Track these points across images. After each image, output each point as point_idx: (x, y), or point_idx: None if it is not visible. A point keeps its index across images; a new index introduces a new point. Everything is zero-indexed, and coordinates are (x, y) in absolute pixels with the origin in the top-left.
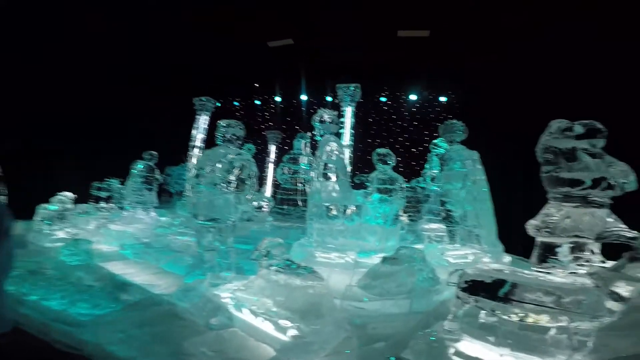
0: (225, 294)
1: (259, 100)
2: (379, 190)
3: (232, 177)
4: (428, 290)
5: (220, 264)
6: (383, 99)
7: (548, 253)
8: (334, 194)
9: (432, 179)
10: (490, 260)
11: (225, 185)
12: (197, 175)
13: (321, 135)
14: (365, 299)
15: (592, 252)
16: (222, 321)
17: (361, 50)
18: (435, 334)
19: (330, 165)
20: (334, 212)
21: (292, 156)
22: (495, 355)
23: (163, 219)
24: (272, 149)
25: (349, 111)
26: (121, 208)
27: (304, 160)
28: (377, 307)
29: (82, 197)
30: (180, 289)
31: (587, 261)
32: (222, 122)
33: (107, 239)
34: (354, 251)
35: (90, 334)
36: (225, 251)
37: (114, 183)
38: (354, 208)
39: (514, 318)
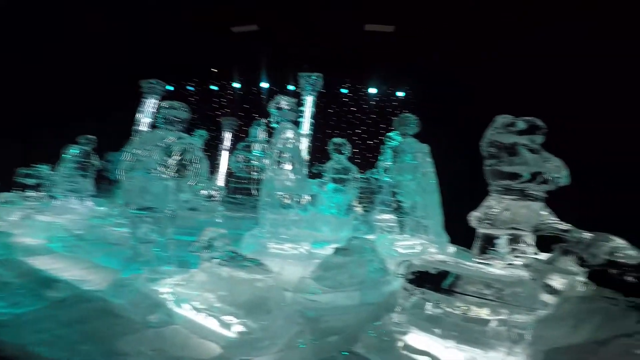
0: (165, 289)
1: (216, 85)
2: (334, 180)
3: (172, 162)
4: (378, 281)
5: (159, 257)
6: (344, 91)
7: (488, 244)
8: (288, 183)
9: (385, 171)
10: (436, 250)
11: (162, 171)
12: (130, 160)
13: (278, 123)
14: (318, 291)
15: (527, 244)
16: (161, 318)
17: (327, 41)
18: (384, 327)
19: (285, 153)
20: (288, 202)
21: (247, 144)
22: (441, 347)
23: (100, 208)
24: (227, 136)
25: (309, 100)
26: (52, 197)
27: (258, 147)
28: (330, 300)
29: (6, 184)
30: (114, 284)
31: (523, 253)
32: (164, 103)
33: (33, 231)
34: (308, 242)
35: (10, 334)
36: (164, 243)
37: (44, 169)
38: (309, 197)
39: (457, 311)
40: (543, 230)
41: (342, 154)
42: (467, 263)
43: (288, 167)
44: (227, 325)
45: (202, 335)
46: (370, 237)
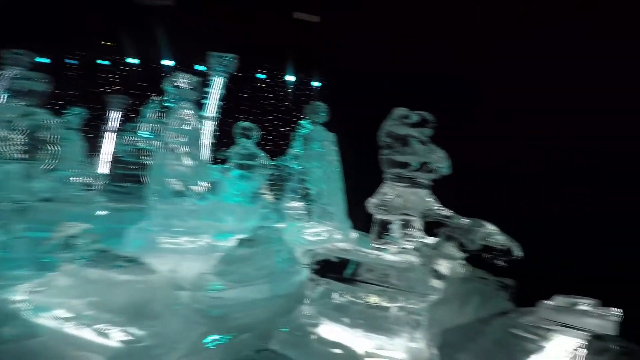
0: (18, 297)
1: (106, 60)
2: (239, 166)
3: (17, 142)
4: (287, 271)
5: (6, 259)
6: (261, 76)
7: (383, 229)
8: (182, 169)
9: (295, 158)
10: (341, 237)
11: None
12: None
13: (175, 102)
14: (221, 286)
15: (416, 228)
16: (18, 330)
17: (248, 25)
18: (296, 321)
19: (180, 136)
20: (181, 189)
21: (137, 124)
22: (351, 336)
23: None
24: (114, 115)
25: (219, 82)
26: None
27: (147, 128)
28: (236, 295)
29: None
30: None
31: (412, 237)
32: (15, 72)
33: None
34: (209, 234)
35: None
36: (10, 242)
37: None
38: (206, 185)
39: (360, 300)
40: (429, 215)
41: (249, 138)
42: (366, 250)
43: (183, 150)
44: (104, 335)
45: (78, 347)
46: (280, 225)
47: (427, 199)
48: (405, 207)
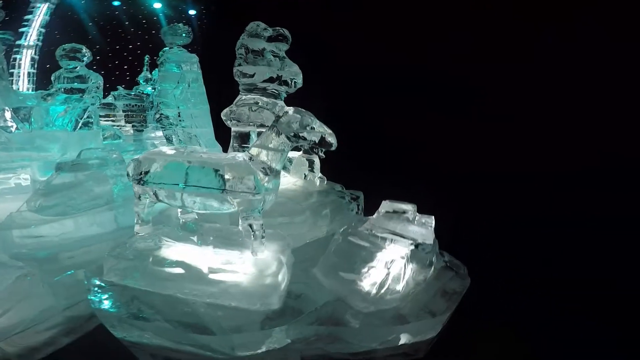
0: None
1: None
2: (65, 90)
3: None
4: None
5: None
6: (116, 3)
7: (242, 142)
8: None
9: (146, 81)
10: None
11: None
12: None
13: None
14: (34, 223)
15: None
16: None
17: None
18: (131, 247)
19: None
20: None
21: None
22: (198, 254)
23: None
24: None
25: (43, 8)
26: None
27: None
28: (64, 230)
29: None
30: None
31: None
32: None
33: None
34: (31, 168)
35: None
36: None
37: None
38: (22, 112)
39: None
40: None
41: (76, 60)
42: (198, 153)
43: None
44: None
45: None
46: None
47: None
48: (258, 118)
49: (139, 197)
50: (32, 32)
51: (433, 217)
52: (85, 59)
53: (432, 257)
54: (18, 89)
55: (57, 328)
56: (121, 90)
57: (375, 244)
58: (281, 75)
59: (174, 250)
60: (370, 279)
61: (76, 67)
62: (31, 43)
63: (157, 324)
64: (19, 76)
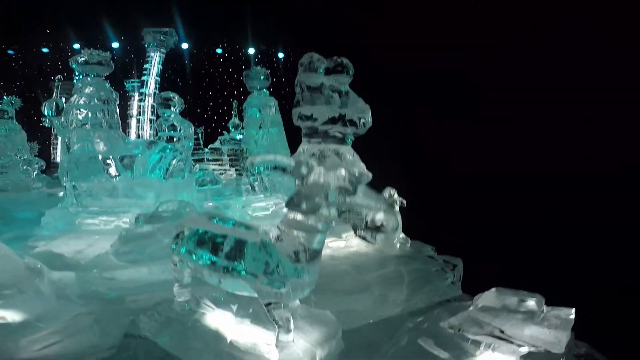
0: None
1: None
2: (167, 139)
3: None
4: None
5: None
6: (219, 51)
7: None
8: (98, 146)
9: (235, 127)
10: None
11: None
12: None
13: (80, 78)
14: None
15: None
16: None
17: None
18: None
19: (90, 112)
20: (94, 167)
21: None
22: (235, 327)
23: None
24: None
25: (155, 57)
26: None
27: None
28: (133, 276)
29: None
30: None
31: None
32: None
33: None
34: (131, 212)
35: None
36: None
37: None
38: (126, 160)
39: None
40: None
41: (169, 108)
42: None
43: (92, 127)
44: None
45: None
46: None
47: (348, 157)
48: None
49: (175, 264)
50: (151, 80)
51: (573, 310)
52: (176, 106)
53: None
54: (143, 135)
55: None
56: (226, 135)
57: (459, 355)
58: (344, 114)
59: (208, 318)
60: None
61: (171, 115)
62: (150, 91)
63: None
64: (144, 122)
